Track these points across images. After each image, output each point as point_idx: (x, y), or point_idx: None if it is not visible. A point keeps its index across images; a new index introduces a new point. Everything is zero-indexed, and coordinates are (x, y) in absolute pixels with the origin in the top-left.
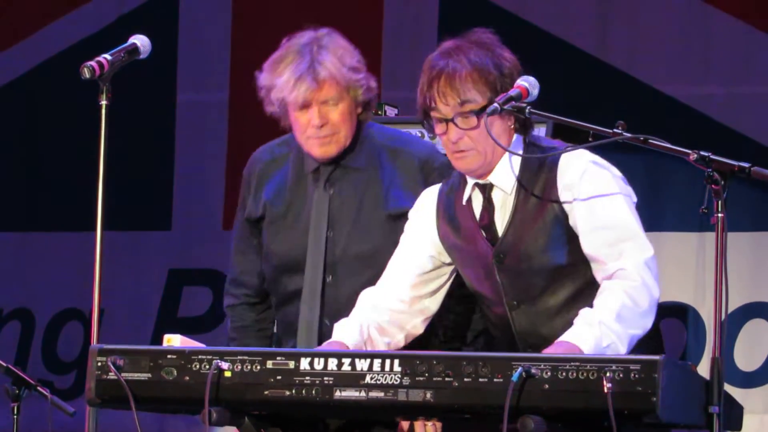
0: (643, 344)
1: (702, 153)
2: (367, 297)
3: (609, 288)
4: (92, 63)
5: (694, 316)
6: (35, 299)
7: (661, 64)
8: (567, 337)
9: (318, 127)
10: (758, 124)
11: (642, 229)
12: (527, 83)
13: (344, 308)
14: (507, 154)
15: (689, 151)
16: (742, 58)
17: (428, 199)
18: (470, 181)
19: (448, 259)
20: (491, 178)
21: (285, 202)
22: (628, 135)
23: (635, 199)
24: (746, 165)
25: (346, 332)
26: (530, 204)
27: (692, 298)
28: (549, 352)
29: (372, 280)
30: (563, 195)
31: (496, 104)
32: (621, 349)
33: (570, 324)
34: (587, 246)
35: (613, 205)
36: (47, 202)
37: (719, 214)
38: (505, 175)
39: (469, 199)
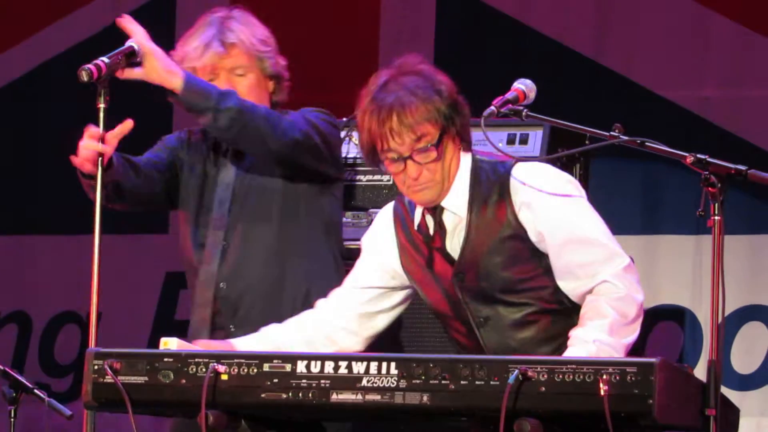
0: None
1: (699, 156)
2: (313, 313)
3: (595, 303)
4: (90, 66)
5: (690, 319)
6: (32, 302)
7: (658, 67)
8: (567, 356)
9: None
10: (756, 127)
11: (610, 235)
12: (524, 86)
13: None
14: (457, 175)
15: (686, 154)
16: (739, 61)
17: (383, 224)
18: (419, 206)
19: (405, 283)
20: (443, 202)
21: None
22: (625, 138)
23: (584, 193)
24: (743, 168)
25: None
26: (485, 222)
27: (689, 301)
28: None
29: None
30: (519, 211)
31: (492, 107)
32: None
33: (540, 333)
34: (557, 261)
35: (575, 215)
36: (44, 205)
37: (716, 217)
38: (456, 197)
39: (421, 223)
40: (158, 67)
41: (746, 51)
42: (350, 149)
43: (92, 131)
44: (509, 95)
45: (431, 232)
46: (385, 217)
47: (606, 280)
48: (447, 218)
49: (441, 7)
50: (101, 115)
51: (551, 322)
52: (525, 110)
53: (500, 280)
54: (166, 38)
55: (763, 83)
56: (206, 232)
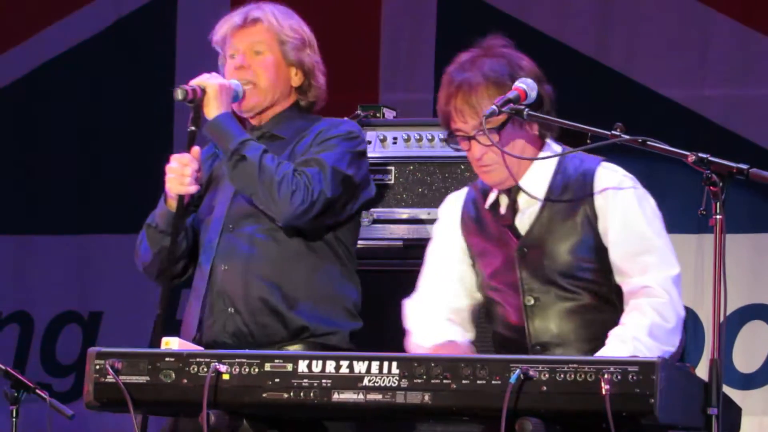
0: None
1: (700, 155)
2: (418, 311)
3: (638, 306)
4: (187, 87)
5: (692, 318)
6: (34, 302)
7: (659, 66)
8: (602, 353)
9: (237, 67)
10: (757, 126)
11: (671, 248)
12: (525, 85)
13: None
14: (537, 160)
15: (688, 153)
16: (740, 60)
17: (453, 206)
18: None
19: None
20: (521, 183)
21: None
22: (627, 137)
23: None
24: (745, 167)
25: (439, 330)
26: (561, 206)
27: (691, 299)
28: None
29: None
30: (598, 200)
31: (493, 107)
32: None
33: (580, 328)
34: (614, 254)
35: (646, 220)
36: (45, 205)
37: (718, 216)
38: (536, 179)
39: (495, 203)
40: (209, 98)
41: (747, 50)
42: None
43: (185, 158)
44: (510, 94)
45: (503, 210)
46: (450, 204)
47: (652, 286)
48: (522, 199)
49: (442, 7)
50: (192, 137)
51: (597, 321)
52: (526, 109)
53: (562, 263)
54: (167, 38)
55: (764, 82)
56: (210, 219)
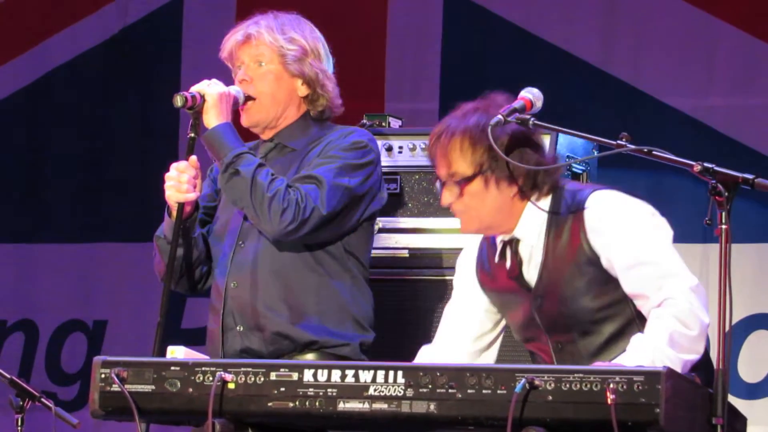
0: (693, 369)
1: (706, 164)
2: (428, 356)
3: (659, 315)
4: (186, 94)
5: None
6: (39, 311)
7: (665, 75)
8: (620, 361)
9: (240, 81)
10: (762, 135)
11: (681, 261)
12: (531, 95)
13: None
14: (528, 207)
15: (693, 163)
16: (746, 69)
17: (467, 260)
18: (499, 238)
19: (497, 311)
20: (516, 233)
21: None
22: (632, 147)
23: (671, 231)
24: (750, 176)
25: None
26: (560, 249)
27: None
28: None
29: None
30: (592, 237)
31: (499, 116)
32: None
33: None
34: (627, 285)
35: (646, 241)
36: (50, 214)
37: (723, 226)
38: (529, 226)
39: (502, 254)
40: (208, 107)
41: (753, 59)
42: None
43: (181, 165)
44: (516, 104)
45: (508, 262)
46: (465, 257)
47: (671, 297)
48: (523, 248)
49: (448, 17)
50: (191, 144)
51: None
52: (532, 119)
53: (579, 308)
54: (172, 47)
55: None
56: (225, 233)
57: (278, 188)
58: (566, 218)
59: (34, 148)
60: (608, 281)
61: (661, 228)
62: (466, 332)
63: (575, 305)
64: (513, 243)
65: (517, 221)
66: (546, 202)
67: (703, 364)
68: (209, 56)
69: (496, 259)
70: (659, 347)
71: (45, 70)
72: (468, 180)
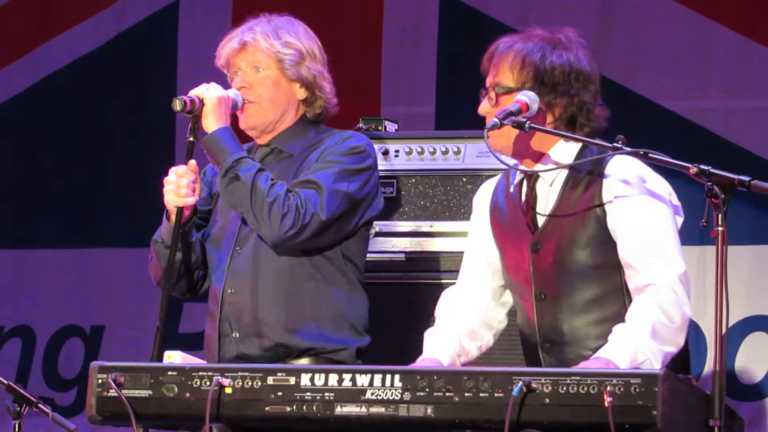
0: (671, 361)
1: (702, 167)
2: (451, 300)
3: (642, 303)
4: (185, 98)
5: (694, 330)
6: (36, 316)
7: (660, 78)
8: (603, 353)
9: (239, 88)
10: (758, 137)
11: (679, 244)
12: (527, 98)
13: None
14: (557, 146)
15: (689, 165)
16: (741, 71)
17: (484, 191)
18: (519, 173)
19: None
20: (537, 167)
21: None
22: (628, 149)
23: (682, 215)
24: (746, 178)
25: (438, 348)
26: (574, 199)
27: (693, 311)
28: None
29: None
30: (606, 193)
31: (495, 119)
32: (656, 366)
33: (590, 325)
34: (622, 249)
35: (653, 213)
36: (47, 219)
37: (719, 228)
38: (552, 166)
39: (517, 186)
40: (207, 111)
41: (748, 61)
42: None
43: (181, 170)
44: (512, 107)
45: (523, 197)
46: (482, 193)
47: (658, 283)
48: (540, 186)
49: (443, 20)
50: (190, 148)
51: (608, 317)
52: (528, 122)
53: (574, 259)
54: (168, 52)
55: (766, 93)
56: (222, 238)
57: (278, 193)
58: (587, 170)
59: (30, 154)
60: (607, 243)
61: (672, 209)
62: (484, 271)
63: (570, 256)
64: (531, 178)
65: (542, 155)
66: (574, 147)
67: (681, 356)
68: (205, 60)
69: (512, 189)
70: (641, 338)
71: (41, 75)
72: (507, 91)
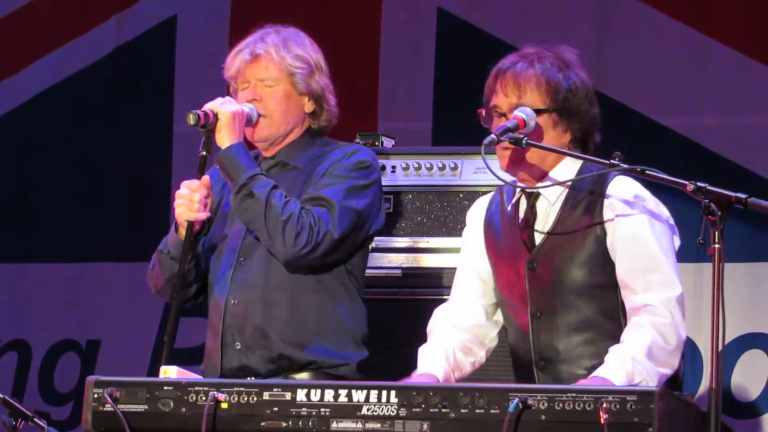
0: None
1: (699, 184)
2: (444, 317)
3: (639, 324)
4: (199, 112)
5: (690, 347)
6: (31, 330)
7: (657, 95)
8: (599, 372)
9: (249, 100)
10: (755, 155)
11: (676, 268)
12: (524, 114)
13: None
14: (560, 165)
15: (686, 182)
16: (738, 89)
17: (478, 207)
18: (518, 189)
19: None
20: (539, 186)
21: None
22: (625, 166)
23: (679, 238)
24: (743, 196)
25: (433, 363)
26: (573, 218)
27: (689, 328)
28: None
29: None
30: (606, 213)
31: (493, 135)
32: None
33: (585, 344)
34: (621, 268)
35: (654, 234)
36: (43, 234)
37: (716, 245)
38: (550, 183)
39: (515, 205)
40: (221, 126)
41: (746, 78)
42: None
43: (194, 185)
44: (509, 123)
45: (521, 215)
46: (476, 209)
47: (655, 305)
48: (541, 205)
49: (441, 36)
50: (203, 162)
51: (603, 337)
52: (525, 138)
53: (571, 278)
54: (166, 66)
55: (762, 111)
56: (224, 249)
57: (293, 211)
58: (588, 190)
59: (26, 168)
60: (605, 263)
61: (671, 233)
62: (476, 288)
63: (567, 275)
64: (531, 197)
65: (543, 174)
66: (575, 167)
67: (673, 375)
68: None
69: (509, 208)
70: (638, 359)
71: (38, 89)
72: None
